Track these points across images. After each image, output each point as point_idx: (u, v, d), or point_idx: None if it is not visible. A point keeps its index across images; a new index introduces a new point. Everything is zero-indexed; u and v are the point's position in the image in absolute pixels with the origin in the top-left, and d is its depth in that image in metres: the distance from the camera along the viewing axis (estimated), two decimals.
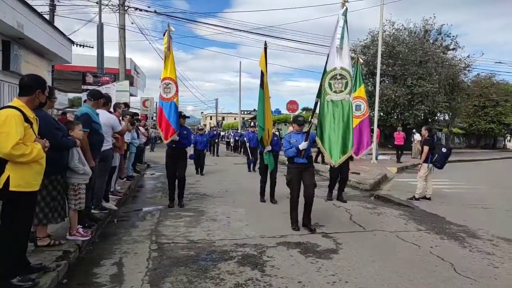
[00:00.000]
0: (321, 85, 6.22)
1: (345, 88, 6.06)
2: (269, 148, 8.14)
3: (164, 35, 7.83)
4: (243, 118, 55.51)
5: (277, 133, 27.21)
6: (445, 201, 9.14)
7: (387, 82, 29.84)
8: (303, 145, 6.03)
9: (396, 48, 28.26)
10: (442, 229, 6.48)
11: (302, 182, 6.19)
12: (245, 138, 16.72)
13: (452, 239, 5.91)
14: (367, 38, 29.74)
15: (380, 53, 18.50)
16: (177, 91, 7.69)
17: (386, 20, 29.22)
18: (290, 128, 7.67)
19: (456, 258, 4.99)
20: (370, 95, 26.80)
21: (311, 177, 6.22)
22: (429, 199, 9.06)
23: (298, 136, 6.27)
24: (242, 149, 22.26)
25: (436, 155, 8.78)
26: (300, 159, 6.11)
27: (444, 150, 8.86)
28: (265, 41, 8.09)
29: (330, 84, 6.13)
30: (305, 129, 6.39)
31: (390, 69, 28.06)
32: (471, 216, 7.58)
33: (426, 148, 8.98)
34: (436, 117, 33.22)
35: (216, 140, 25.01)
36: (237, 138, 27.33)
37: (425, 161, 8.99)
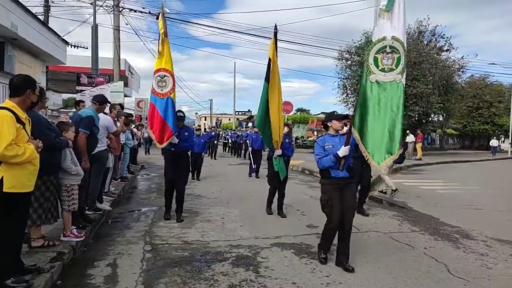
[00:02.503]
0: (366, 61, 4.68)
1: (397, 66, 4.48)
2: (279, 152, 7.00)
3: (157, 18, 6.71)
4: (238, 119, 55.53)
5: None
6: (439, 202, 9.19)
7: None
8: (343, 151, 4.45)
9: None
10: (436, 230, 6.51)
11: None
12: (247, 140, 15.68)
13: (446, 240, 5.94)
14: (361, 39, 29.70)
15: None
16: (174, 85, 6.52)
17: None
18: (286, 129, 7.29)
19: (450, 259, 5.02)
20: None
21: (352, 196, 4.75)
22: (385, 193, 9.68)
23: (334, 140, 4.69)
24: (246, 152, 20.35)
25: None
26: (339, 171, 4.59)
27: None
28: (275, 24, 6.89)
29: (376, 60, 4.53)
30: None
31: None
32: (465, 217, 7.62)
33: None
34: (430, 118, 33.32)
35: (216, 142, 22.93)
36: (234, 139, 25.58)
37: None
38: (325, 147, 4.67)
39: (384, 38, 4.50)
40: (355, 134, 4.56)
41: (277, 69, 6.84)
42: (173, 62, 6.63)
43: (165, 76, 6.44)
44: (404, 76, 4.54)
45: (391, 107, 4.47)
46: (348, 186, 4.68)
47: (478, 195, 10.70)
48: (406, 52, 4.56)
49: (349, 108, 31.56)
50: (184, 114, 7.19)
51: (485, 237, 6.15)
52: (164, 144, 6.43)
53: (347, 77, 31.12)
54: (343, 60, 30.85)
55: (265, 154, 14.12)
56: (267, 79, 6.72)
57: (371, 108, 4.54)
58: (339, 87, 31.59)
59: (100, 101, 6.01)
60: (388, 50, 4.49)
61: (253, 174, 13.56)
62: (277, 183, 7.38)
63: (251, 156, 13.70)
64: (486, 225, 6.92)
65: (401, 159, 9.45)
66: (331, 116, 4.85)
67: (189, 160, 7.20)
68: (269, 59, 6.74)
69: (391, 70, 4.49)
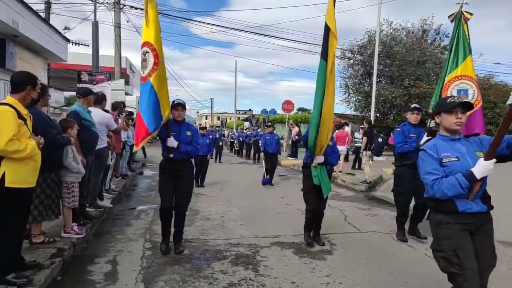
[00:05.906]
0: None
1: None
2: (321, 159, 5.14)
3: None
4: (239, 118, 55.57)
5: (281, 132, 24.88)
6: None
7: (384, 82, 29.77)
8: (484, 169, 2.72)
9: (394, 48, 28.25)
10: None
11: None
12: (258, 141, 14.62)
13: None
14: (364, 38, 29.66)
15: (377, 53, 18.51)
16: (156, 63, 4.53)
17: (384, 20, 29.08)
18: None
19: None
20: (367, 96, 26.89)
21: (490, 244, 2.99)
22: (369, 183, 10.49)
23: (458, 147, 2.84)
24: (256, 154, 18.79)
25: (373, 144, 9.90)
26: (471, 203, 2.83)
27: (380, 140, 9.80)
28: None
29: None
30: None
31: (387, 69, 28.07)
32: None
33: (365, 139, 10.96)
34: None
35: (221, 143, 19.46)
36: (241, 139, 23.12)
37: (364, 149, 10.77)
38: (443, 160, 2.76)
39: None
40: None
41: (335, 42, 4.73)
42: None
43: (147, 52, 4.61)
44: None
45: None
46: (483, 227, 2.94)
47: None
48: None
49: (351, 108, 31.55)
50: (184, 103, 5.08)
51: None
52: (139, 147, 4.89)
53: (349, 77, 31.07)
54: (346, 59, 30.80)
55: (279, 157, 13.57)
56: (323, 55, 4.71)
57: None
58: (341, 87, 31.52)
59: (82, 93, 5.77)
60: None
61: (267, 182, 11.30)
62: (316, 201, 5.41)
63: (264, 162, 11.64)
64: None
65: (378, 151, 9.62)
66: (442, 105, 2.88)
67: (193, 169, 5.48)
68: (327, 28, 4.66)
69: None
